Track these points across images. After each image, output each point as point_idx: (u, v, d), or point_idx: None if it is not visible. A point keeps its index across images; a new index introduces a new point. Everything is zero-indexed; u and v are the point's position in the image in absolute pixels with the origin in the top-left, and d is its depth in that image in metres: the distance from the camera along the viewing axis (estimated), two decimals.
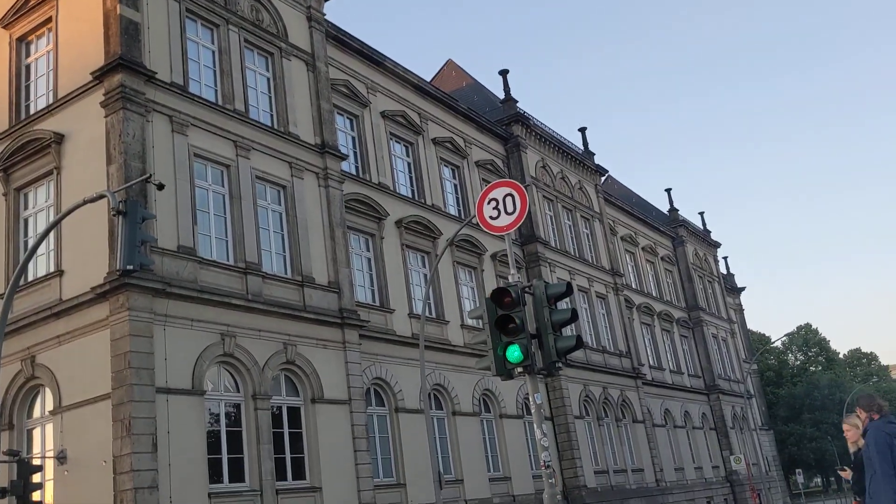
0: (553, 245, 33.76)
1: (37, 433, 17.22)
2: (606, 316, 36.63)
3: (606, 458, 32.16)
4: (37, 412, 17.32)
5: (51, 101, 18.71)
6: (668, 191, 51.09)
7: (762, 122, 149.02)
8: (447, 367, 25.29)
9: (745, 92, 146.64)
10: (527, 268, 31.86)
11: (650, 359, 41.19)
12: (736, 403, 49.42)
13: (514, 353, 7.59)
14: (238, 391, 17.90)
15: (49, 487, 16.07)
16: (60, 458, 15.87)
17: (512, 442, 27.48)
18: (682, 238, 49.67)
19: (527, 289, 7.79)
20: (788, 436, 78.32)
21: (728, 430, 46.25)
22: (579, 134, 40.93)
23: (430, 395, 24.46)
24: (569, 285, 8.19)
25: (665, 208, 51.26)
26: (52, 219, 17.76)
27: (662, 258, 47.37)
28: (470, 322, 26.82)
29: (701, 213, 55.97)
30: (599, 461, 31.90)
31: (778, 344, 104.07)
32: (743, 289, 60.37)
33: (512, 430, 27.75)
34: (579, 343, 8.18)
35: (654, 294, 44.52)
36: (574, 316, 8.22)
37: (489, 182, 31.20)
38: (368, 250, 24.21)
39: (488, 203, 8.06)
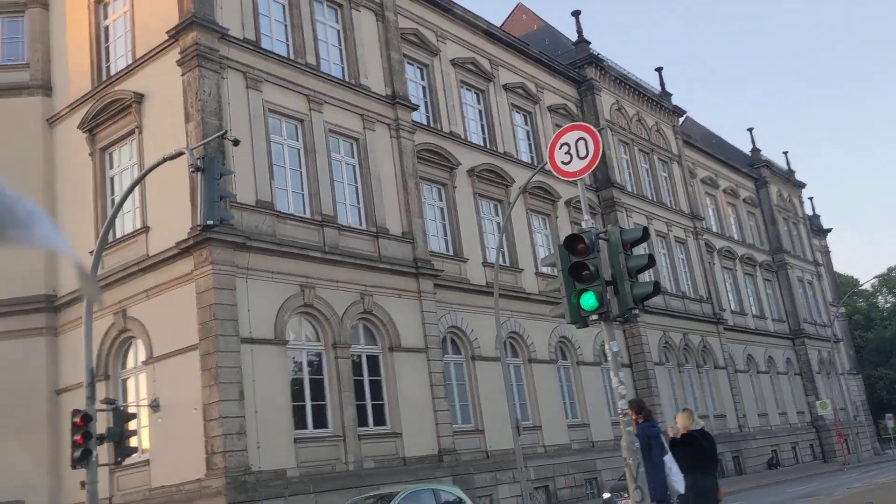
0: (629, 190, 33.14)
1: (131, 383, 18.09)
2: (686, 261, 35.94)
3: (687, 404, 31.82)
4: (130, 363, 18.15)
5: (130, 61, 19.18)
6: (751, 130, 49.69)
7: (850, 57, 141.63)
8: (522, 314, 25.33)
9: (832, 22, 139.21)
10: (602, 213, 31.41)
11: (732, 304, 40.35)
12: (822, 348, 48.09)
13: (588, 300, 7.48)
14: (319, 340, 18.35)
15: (144, 434, 16.94)
16: (154, 406, 16.65)
17: (590, 389, 27.49)
18: (764, 179, 48.04)
19: (601, 235, 7.64)
20: (878, 380, 76.09)
21: (814, 375, 45.14)
22: (656, 75, 39.76)
23: (505, 342, 24.60)
24: (645, 230, 7.97)
25: (747, 149, 49.53)
26: (135, 177, 18.39)
27: (744, 200, 45.99)
28: (544, 270, 26.71)
29: (785, 153, 54.27)
30: (680, 407, 31.57)
31: (867, 286, 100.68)
32: (829, 230, 58.16)
33: (589, 377, 27.74)
34: (657, 289, 8.04)
35: (735, 237, 43.39)
36: (651, 261, 8.04)
37: (562, 127, 30.74)
38: (441, 200, 24.24)
39: (560, 148, 7.86)
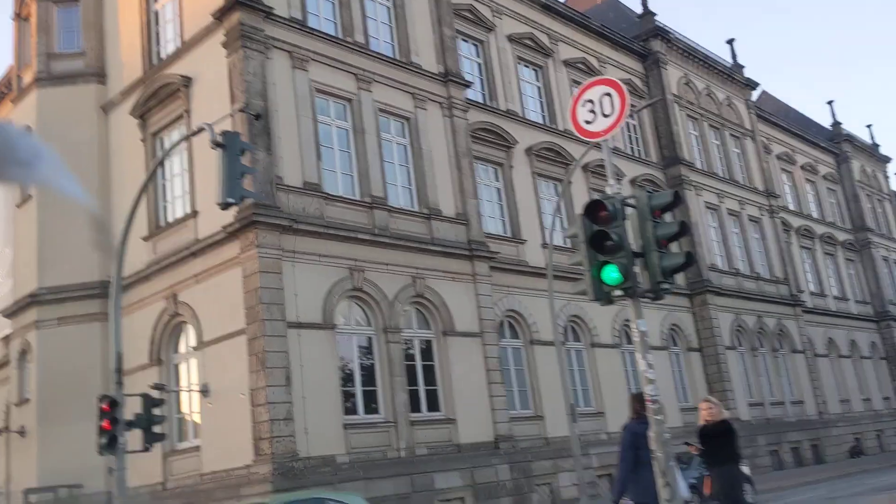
0: (699, 167, 31.75)
1: (183, 368, 18.05)
2: (760, 240, 34.33)
3: (762, 389, 30.47)
4: (182, 348, 18.12)
5: (178, 45, 19.07)
6: (830, 103, 47.04)
7: None
8: (584, 298, 24.43)
9: None
10: None
11: (811, 285, 38.44)
12: None
13: (610, 273, 6.71)
14: (369, 325, 17.96)
15: (196, 419, 16.88)
16: (204, 391, 16.55)
17: (658, 374, 26.42)
18: (846, 154, 45.61)
19: (628, 201, 6.86)
20: None
21: None
22: (727, 47, 37.98)
23: (567, 326, 23.85)
24: (676, 194, 7.11)
25: (827, 123, 47.10)
26: (185, 161, 18.31)
27: (824, 176, 43.75)
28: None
29: (868, 126, 51.13)
30: (754, 393, 30.26)
31: None
32: None
33: (658, 362, 26.64)
34: (689, 260, 7.24)
35: (814, 215, 41.32)
36: (683, 230, 7.23)
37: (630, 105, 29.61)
38: (497, 180, 23.54)
39: (583, 105, 7.08)
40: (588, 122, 7.11)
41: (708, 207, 31.40)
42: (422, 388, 18.50)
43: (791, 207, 39.45)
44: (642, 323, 6.98)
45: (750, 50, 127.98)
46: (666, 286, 6.82)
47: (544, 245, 23.83)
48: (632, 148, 29.79)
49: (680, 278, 29.06)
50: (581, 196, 25.80)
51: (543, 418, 21.76)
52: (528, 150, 24.46)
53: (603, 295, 6.94)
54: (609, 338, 25.00)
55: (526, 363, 22.20)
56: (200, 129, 10.71)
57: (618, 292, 6.88)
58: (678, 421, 26.39)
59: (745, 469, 16.89)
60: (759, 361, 31.07)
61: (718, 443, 9.08)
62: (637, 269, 6.75)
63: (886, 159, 50.69)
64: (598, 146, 8.72)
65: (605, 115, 6.95)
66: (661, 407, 7.46)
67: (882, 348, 42.77)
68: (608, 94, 6.97)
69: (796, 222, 38.76)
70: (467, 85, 22.13)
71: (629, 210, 6.80)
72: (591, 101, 6.98)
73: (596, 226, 6.73)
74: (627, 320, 26.59)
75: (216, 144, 9.83)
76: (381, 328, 17.87)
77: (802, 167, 41.75)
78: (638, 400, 7.99)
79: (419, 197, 19.98)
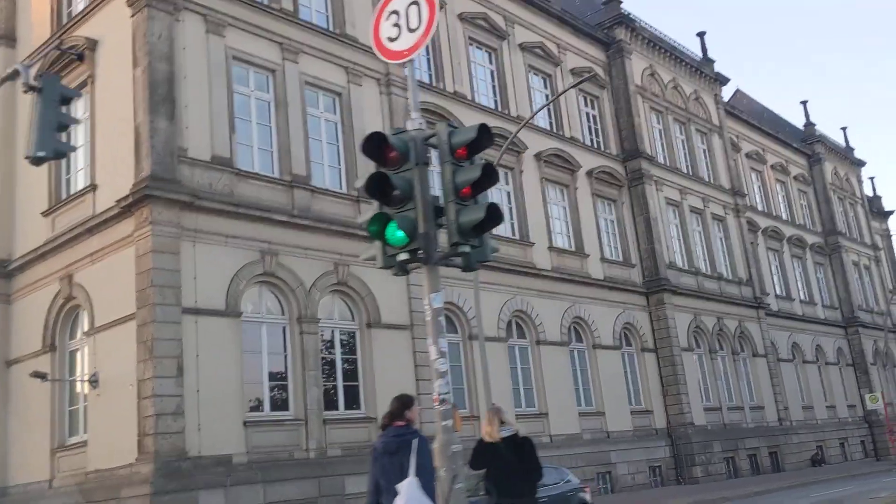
0: (661, 161, 30.55)
1: (79, 355, 16.56)
2: (724, 239, 33.18)
3: (720, 394, 29.30)
4: (78, 333, 16.63)
5: (87, 4, 17.56)
6: (804, 103, 45.95)
7: None
8: (531, 292, 23.25)
9: None
10: (629, 186, 28.92)
11: (777, 288, 37.37)
12: (879, 337, 44.63)
13: (395, 232, 5.18)
14: (283, 314, 16.56)
15: (84, 411, 15.44)
16: (93, 381, 15.09)
17: (609, 375, 25.27)
18: (819, 156, 44.61)
19: (428, 140, 5.38)
20: None
21: (868, 366, 41.82)
22: (698, 40, 36.78)
23: (511, 321, 22.60)
24: (483, 128, 5.55)
25: (802, 125, 46.06)
26: (89, 130, 16.82)
27: (795, 178, 42.72)
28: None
29: (843, 129, 50.33)
30: (711, 397, 29.09)
31: None
32: (891, 212, 54.17)
33: (609, 363, 25.50)
34: (494, 216, 5.52)
35: (784, 217, 40.27)
36: (489, 175, 5.61)
37: (584, 91, 28.39)
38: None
39: (387, 19, 5.66)
40: (392, 40, 5.72)
41: (669, 203, 30.19)
42: (340, 384, 17.13)
43: (759, 208, 38.37)
44: (437, 298, 5.54)
45: (728, 49, 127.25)
46: (467, 249, 5.33)
47: (550, 248, 22.58)
48: (591, 139, 28.54)
49: (636, 275, 27.89)
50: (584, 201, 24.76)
51: (479, 419, 20.40)
52: None
53: (389, 261, 5.45)
54: (557, 335, 23.73)
55: (464, 360, 20.87)
56: (15, 73, 9.27)
57: (403, 256, 5.32)
58: (627, 425, 25.24)
59: (587, 497, 15.55)
60: (718, 364, 29.92)
61: (506, 469, 7.11)
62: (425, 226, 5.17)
63: (860, 163, 49.82)
64: (403, 65, 7.06)
65: (412, 30, 5.55)
66: (451, 409, 5.99)
67: (849, 355, 41.83)
68: (415, 3, 5.55)
69: (764, 223, 37.68)
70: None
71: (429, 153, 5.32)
72: (396, 13, 5.59)
73: (381, 169, 5.22)
74: (628, 322, 25.92)
75: (29, 88, 8.44)
76: (295, 317, 16.47)
77: (773, 167, 40.70)
78: (400, 401, 6.15)
79: (349, 178, 18.59)
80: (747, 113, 41.18)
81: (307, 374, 16.20)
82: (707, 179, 33.28)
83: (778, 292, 37.24)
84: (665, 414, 27.01)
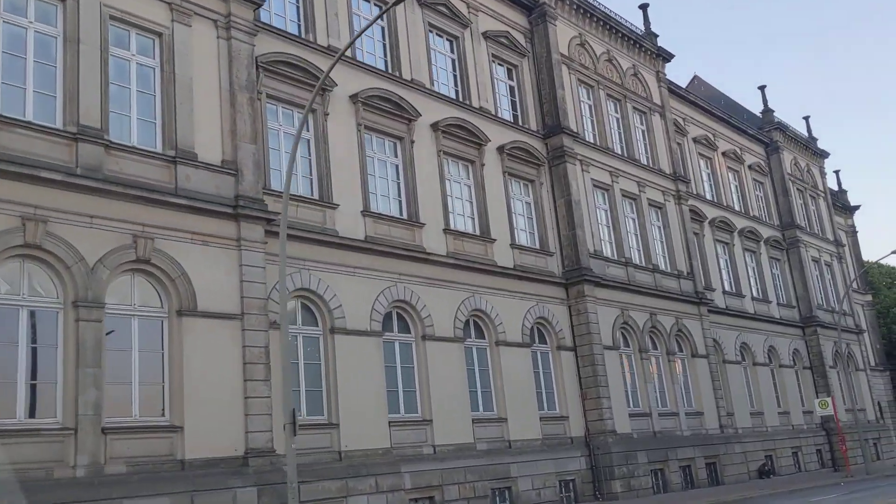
0: (589, 140, 27.50)
1: None
2: (662, 229, 30.16)
3: (649, 398, 26.22)
4: None
5: None
6: (762, 89, 43.09)
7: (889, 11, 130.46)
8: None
9: None
10: (550, 166, 25.84)
11: (726, 283, 34.41)
12: (842, 339, 41.73)
13: None
14: (56, 296, 13.30)
15: None
16: None
17: (516, 376, 22.17)
18: (777, 144, 41.75)
19: None
20: None
21: (827, 369, 38.89)
22: (640, 13, 33.77)
23: (392, 314, 19.45)
24: None
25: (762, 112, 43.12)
26: None
27: (751, 167, 39.82)
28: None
29: (806, 118, 47.47)
30: (640, 402, 26.03)
31: None
32: (857, 207, 51.48)
33: (515, 362, 22.40)
34: None
35: (736, 208, 37.34)
36: None
37: (499, 59, 25.35)
38: (308, 131, 18.98)
39: None
40: None
41: (597, 186, 27.13)
42: (136, 385, 13.88)
43: (708, 197, 35.43)
44: None
45: (685, 33, 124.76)
46: None
47: (365, 213, 19.39)
48: (508, 112, 25.47)
49: (554, 265, 24.79)
50: (430, 164, 21.37)
51: (338, 426, 17.23)
52: (354, 98, 19.95)
53: None
54: (450, 329, 20.57)
55: (324, 358, 17.66)
56: None
57: None
58: (535, 433, 22.13)
59: None
60: (649, 365, 26.84)
61: None
62: None
63: (823, 154, 47.01)
64: None
65: None
66: None
67: (807, 357, 38.91)
68: None
69: (712, 213, 34.72)
70: (258, 4, 17.54)
71: None
72: None
73: None
74: (541, 317, 22.92)
75: None
76: (69, 301, 13.23)
77: (725, 154, 37.77)
78: None
79: (165, 134, 15.36)
80: (704, 99, 38.28)
81: (83, 371, 12.95)
82: (645, 163, 30.26)
83: (727, 288, 34.28)
84: (583, 421, 23.90)
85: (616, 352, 25.39)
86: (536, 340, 23.68)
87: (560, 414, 23.47)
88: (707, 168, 36.55)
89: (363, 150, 19.94)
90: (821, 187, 46.18)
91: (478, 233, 22.57)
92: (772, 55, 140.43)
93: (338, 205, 18.72)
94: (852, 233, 50.94)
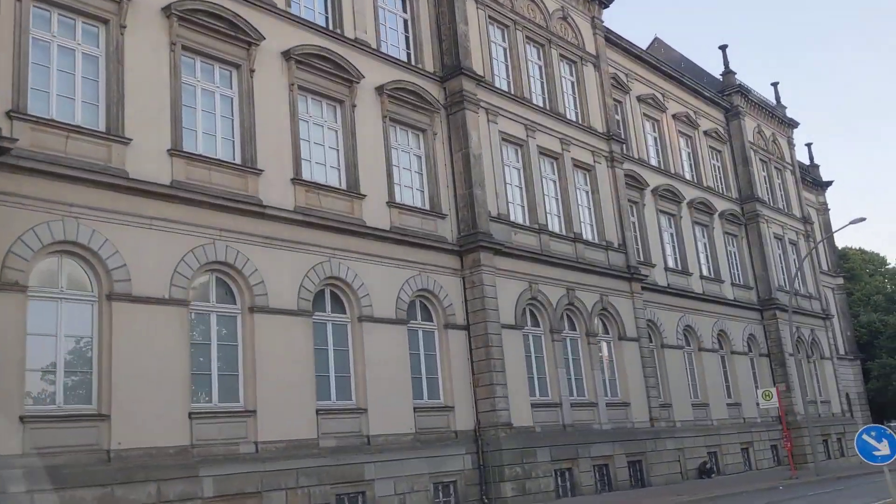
0: (500, 86, 23.72)
1: None
2: (591, 194, 26.45)
3: (560, 386, 22.57)
4: None
5: None
6: (724, 48, 39.33)
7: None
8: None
9: None
10: (448, 113, 22.10)
11: (670, 259, 30.79)
12: (803, 324, 38.32)
13: None
14: None
15: None
16: None
17: (386, 359, 18.53)
18: (738, 109, 38.02)
19: None
20: (894, 370, 65.59)
21: (786, 357, 35.33)
22: None
23: (211, 282, 15.75)
24: None
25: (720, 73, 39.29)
26: None
27: (707, 133, 36.11)
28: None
29: (774, 84, 43.72)
30: (550, 390, 22.40)
31: (894, 264, 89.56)
32: (829, 183, 47.83)
33: (386, 343, 18.76)
34: None
35: (687, 177, 33.67)
36: None
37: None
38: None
39: None
40: None
41: (507, 140, 23.37)
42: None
43: (653, 163, 31.72)
44: None
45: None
46: None
47: (172, 152, 15.62)
48: (406, 52, 21.69)
49: (446, 229, 21.09)
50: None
51: (108, 418, 13.53)
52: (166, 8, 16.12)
53: None
54: (292, 300, 16.87)
55: (97, 330, 13.92)
56: None
57: None
58: (407, 426, 18.50)
59: None
60: (561, 349, 23.16)
61: None
62: None
63: (792, 123, 43.28)
64: None
65: None
66: None
67: (765, 343, 35.34)
68: None
69: (656, 181, 31.03)
70: None
71: None
72: None
73: None
74: (424, 289, 19.34)
75: None
76: None
77: (676, 117, 34.03)
78: None
79: None
80: (660, 60, 34.51)
81: None
82: (573, 118, 26.51)
83: (671, 265, 30.64)
84: (474, 412, 20.26)
85: (519, 332, 21.72)
86: (419, 317, 20.02)
87: (444, 404, 19.83)
88: (654, 131, 32.82)
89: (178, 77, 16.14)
90: (788, 159, 42.49)
91: (343, 187, 18.82)
92: (745, 25, 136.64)
93: (263, 170, 14.92)
94: (824, 210, 47.37)
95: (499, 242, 21.54)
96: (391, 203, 19.80)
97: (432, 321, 20.33)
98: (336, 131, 19.27)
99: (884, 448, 11.16)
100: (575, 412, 22.76)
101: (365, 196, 19.09)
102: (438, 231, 20.97)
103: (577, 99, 27.23)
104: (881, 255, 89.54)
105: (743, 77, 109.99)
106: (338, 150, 19.17)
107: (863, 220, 27.24)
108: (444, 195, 21.40)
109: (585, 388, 23.69)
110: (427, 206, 21.01)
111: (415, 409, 18.83)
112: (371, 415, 17.75)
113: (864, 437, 11.40)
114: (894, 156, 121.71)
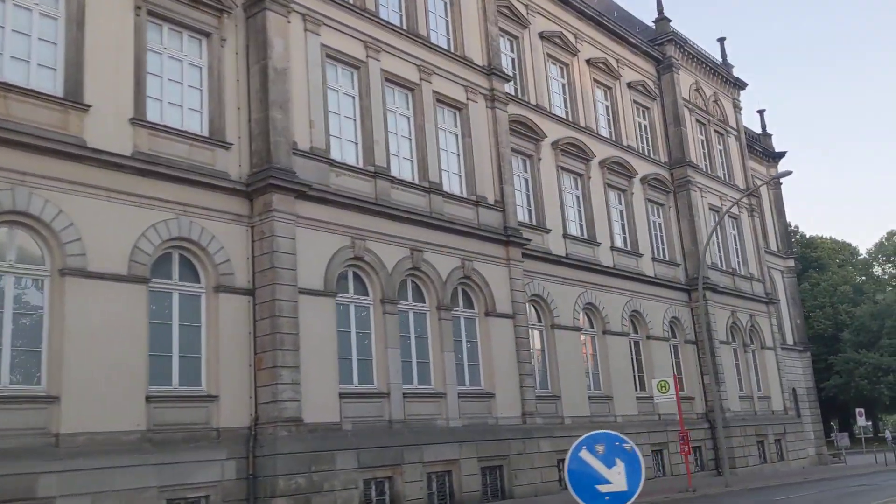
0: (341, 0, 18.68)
1: None
2: (461, 138, 21.51)
3: (388, 371, 17.60)
4: None
5: None
6: None
7: None
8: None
9: None
10: (246, 16, 17.00)
11: (571, 226, 25.84)
12: (742, 309, 33.65)
13: None
14: None
15: None
16: None
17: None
18: (671, 61, 33.14)
19: None
20: (858, 365, 61.34)
21: (717, 345, 30.59)
22: None
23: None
24: None
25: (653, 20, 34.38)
26: None
27: (631, 85, 31.19)
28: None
29: (721, 40, 38.84)
30: (376, 377, 17.49)
31: (865, 255, 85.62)
32: (782, 154, 43.05)
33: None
34: None
35: (601, 133, 28.74)
36: None
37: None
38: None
39: None
40: None
41: (332, 58, 18.29)
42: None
43: (557, 112, 26.77)
44: None
45: None
46: None
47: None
48: None
49: (231, 162, 16.12)
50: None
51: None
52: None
53: None
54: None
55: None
56: None
57: None
58: (133, 422, 13.56)
59: None
60: (399, 323, 18.20)
61: None
62: None
63: (739, 84, 38.41)
64: None
65: None
66: None
67: (691, 328, 30.56)
68: None
69: (557, 132, 26.05)
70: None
71: None
72: None
73: None
74: (184, 238, 14.01)
75: None
76: None
77: (590, 63, 29.05)
78: None
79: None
80: (596, 8, 29.61)
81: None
82: (442, 44, 21.52)
83: (571, 231, 25.68)
84: (253, 403, 15.31)
85: (329, 299, 16.74)
86: (175, 276, 15.01)
87: (204, 392, 14.85)
88: (561, 77, 27.85)
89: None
90: (733, 123, 37.66)
91: (57, 93, 13.70)
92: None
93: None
94: (775, 185, 42.58)
95: (304, 183, 16.52)
96: (137, 121, 14.70)
97: (198, 282, 15.32)
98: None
99: (615, 478, 5.00)
100: (411, 404, 17.83)
101: (90, 107, 13.97)
102: (217, 164, 15.92)
103: (451, 23, 22.24)
104: (853, 244, 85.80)
105: (706, 43, 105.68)
106: (55, 44, 14.05)
107: (789, 173, 22.41)
108: (231, 120, 16.37)
109: (432, 375, 18.77)
110: (205, 132, 15.97)
111: (148, 398, 13.81)
112: (66, 405, 12.72)
113: (583, 454, 5.16)
114: (861, 143, 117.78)
